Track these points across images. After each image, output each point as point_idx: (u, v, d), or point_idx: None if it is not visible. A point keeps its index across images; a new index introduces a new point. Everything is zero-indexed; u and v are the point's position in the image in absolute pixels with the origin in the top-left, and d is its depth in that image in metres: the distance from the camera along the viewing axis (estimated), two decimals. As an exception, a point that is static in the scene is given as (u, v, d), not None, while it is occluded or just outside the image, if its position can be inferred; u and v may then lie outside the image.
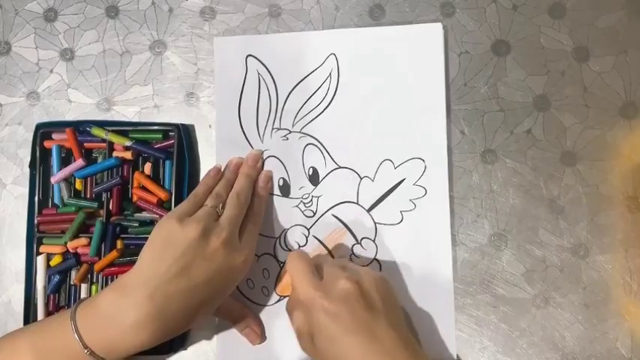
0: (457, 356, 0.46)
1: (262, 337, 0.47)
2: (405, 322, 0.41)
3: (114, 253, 0.47)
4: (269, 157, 0.49)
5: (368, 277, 0.41)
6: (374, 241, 0.47)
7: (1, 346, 0.39)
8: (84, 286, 0.49)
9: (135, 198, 0.48)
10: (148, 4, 0.51)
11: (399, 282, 0.46)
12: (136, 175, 0.48)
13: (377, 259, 0.47)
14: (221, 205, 0.43)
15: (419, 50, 0.48)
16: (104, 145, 0.49)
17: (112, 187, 0.48)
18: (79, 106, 0.51)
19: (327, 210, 0.48)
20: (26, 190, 0.50)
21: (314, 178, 0.48)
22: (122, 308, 0.38)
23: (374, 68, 0.48)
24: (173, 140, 0.48)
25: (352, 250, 0.47)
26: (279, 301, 0.48)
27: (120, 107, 0.51)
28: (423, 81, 0.48)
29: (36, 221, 0.49)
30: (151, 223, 0.48)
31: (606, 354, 0.45)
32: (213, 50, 0.50)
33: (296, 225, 0.48)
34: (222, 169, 0.48)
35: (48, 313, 0.48)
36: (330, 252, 0.47)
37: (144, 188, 0.48)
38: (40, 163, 0.49)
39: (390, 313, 0.40)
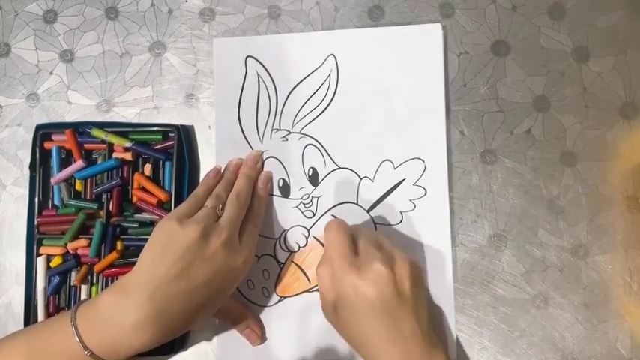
0: (457, 356, 0.46)
1: (262, 337, 0.47)
2: (427, 313, 0.42)
3: (114, 254, 0.47)
4: (269, 157, 0.49)
5: (402, 263, 0.41)
6: (374, 241, 0.47)
7: (0, 347, 0.39)
8: (84, 287, 0.49)
9: (135, 199, 0.48)
10: (148, 5, 0.51)
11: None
12: (136, 176, 0.48)
13: (377, 260, 0.47)
14: (221, 206, 0.43)
15: (418, 51, 0.48)
16: (104, 146, 0.49)
17: (112, 189, 0.48)
18: (79, 108, 0.51)
19: (327, 211, 0.48)
20: (26, 192, 0.50)
21: (314, 179, 0.48)
22: (122, 309, 0.38)
23: (373, 69, 0.48)
24: (173, 141, 0.48)
25: (352, 251, 0.47)
26: (279, 301, 0.48)
27: (120, 108, 0.51)
28: (422, 81, 0.48)
29: (36, 222, 0.49)
30: (151, 224, 0.48)
31: (606, 354, 0.45)
32: (213, 51, 0.50)
33: (296, 226, 0.48)
34: (221, 170, 0.48)
35: (48, 315, 0.48)
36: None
37: (144, 189, 0.48)
38: (40, 165, 0.49)
39: (416, 303, 0.40)
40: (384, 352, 0.39)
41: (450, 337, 0.46)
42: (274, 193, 0.48)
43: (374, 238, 0.43)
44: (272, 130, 0.49)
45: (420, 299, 0.41)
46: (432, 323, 0.42)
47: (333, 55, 0.49)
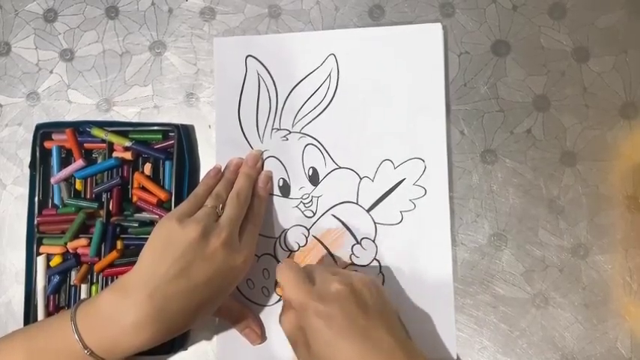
0: (457, 356, 0.46)
1: (262, 337, 0.47)
2: (399, 323, 0.41)
3: (114, 254, 0.47)
4: (269, 157, 0.49)
5: (359, 279, 0.40)
6: (374, 241, 0.47)
7: (0, 347, 0.39)
8: (84, 287, 0.49)
9: (135, 198, 0.48)
10: (148, 4, 0.51)
11: (399, 282, 0.46)
12: (136, 175, 0.48)
13: (377, 259, 0.47)
14: (221, 205, 0.43)
15: (418, 50, 0.48)
16: (104, 145, 0.49)
17: (111, 188, 0.48)
18: (79, 107, 0.51)
19: (327, 210, 0.48)
20: (26, 191, 0.50)
21: (314, 179, 0.48)
22: (122, 309, 0.38)
23: (373, 68, 0.48)
24: (173, 141, 0.48)
25: (352, 251, 0.47)
26: (279, 301, 0.48)
27: (120, 108, 0.51)
28: (422, 81, 0.48)
29: (36, 222, 0.49)
30: (151, 223, 0.48)
31: (606, 354, 0.45)
32: (213, 51, 0.50)
33: (296, 225, 0.48)
34: (222, 170, 0.48)
35: (48, 314, 0.48)
36: (329, 252, 0.47)
37: (144, 189, 0.48)
38: (40, 164, 0.49)
39: (383, 314, 0.39)
40: None
41: (450, 336, 0.46)
42: (274, 193, 0.48)
43: (328, 269, 0.42)
44: (272, 129, 0.49)
45: (387, 310, 0.40)
46: (407, 334, 0.41)
47: (333, 54, 0.49)
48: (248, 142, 0.49)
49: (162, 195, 0.47)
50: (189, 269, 0.39)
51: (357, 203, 0.48)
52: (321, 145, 0.48)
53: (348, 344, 0.37)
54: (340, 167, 0.48)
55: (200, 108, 0.50)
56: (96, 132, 0.48)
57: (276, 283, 0.48)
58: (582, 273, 0.46)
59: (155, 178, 0.49)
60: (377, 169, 0.48)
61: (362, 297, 0.39)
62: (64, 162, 0.49)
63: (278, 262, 0.48)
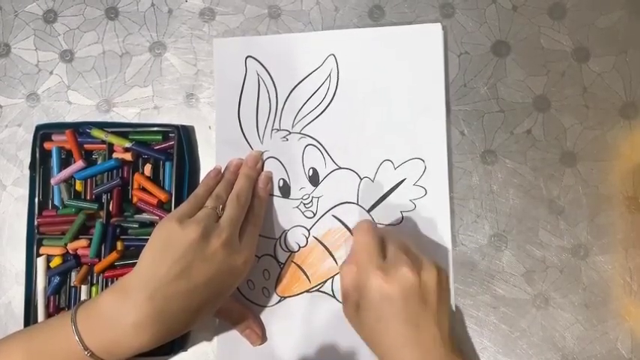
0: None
1: (263, 338, 0.47)
2: (449, 319, 0.42)
3: (114, 255, 0.47)
4: (269, 158, 0.49)
5: (429, 270, 0.41)
6: (374, 241, 0.47)
7: (0, 348, 0.39)
8: (84, 288, 0.49)
9: (135, 199, 0.48)
10: (148, 5, 0.51)
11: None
12: (136, 176, 0.48)
13: (377, 260, 0.47)
14: (221, 206, 0.43)
15: (418, 50, 0.48)
16: (104, 146, 0.49)
17: (112, 189, 0.48)
18: (79, 108, 0.51)
19: (328, 211, 0.48)
20: (26, 192, 0.50)
21: (314, 179, 0.48)
22: (123, 310, 0.38)
23: (373, 69, 0.48)
24: (173, 141, 0.48)
25: (352, 251, 0.47)
26: (279, 302, 0.48)
27: (120, 109, 0.51)
28: (422, 81, 0.48)
29: (36, 223, 0.49)
30: (151, 224, 0.48)
31: (606, 354, 0.45)
32: (213, 51, 0.50)
33: (296, 226, 0.48)
34: (222, 171, 0.48)
35: (48, 315, 0.48)
36: (330, 252, 0.47)
37: (144, 189, 0.48)
38: (40, 165, 0.49)
39: (439, 310, 0.40)
40: (403, 357, 0.39)
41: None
42: (274, 193, 0.48)
43: (402, 243, 0.43)
44: (272, 130, 0.49)
45: (443, 307, 0.41)
46: (453, 330, 0.42)
47: (333, 55, 0.49)
48: (248, 142, 0.49)
49: (163, 196, 0.47)
50: (190, 270, 0.39)
51: (357, 204, 0.48)
52: (321, 145, 0.48)
53: (398, 328, 0.39)
54: (340, 168, 0.48)
55: (200, 109, 0.50)
56: (96, 133, 0.48)
57: (276, 284, 0.48)
58: (582, 273, 0.46)
59: (155, 179, 0.49)
60: (377, 170, 0.48)
61: (425, 289, 0.40)
62: (64, 163, 0.49)
63: (278, 262, 0.48)
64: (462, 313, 0.46)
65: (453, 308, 0.46)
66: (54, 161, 0.49)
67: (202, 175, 0.49)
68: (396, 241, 0.43)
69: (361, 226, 0.43)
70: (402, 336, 0.39)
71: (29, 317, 0.48)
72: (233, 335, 0.47)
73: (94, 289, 0.49)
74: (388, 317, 0.39)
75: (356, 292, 0.41)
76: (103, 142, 0.48)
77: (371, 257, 0.41)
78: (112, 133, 0.48)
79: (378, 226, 0.47)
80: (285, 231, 0.48)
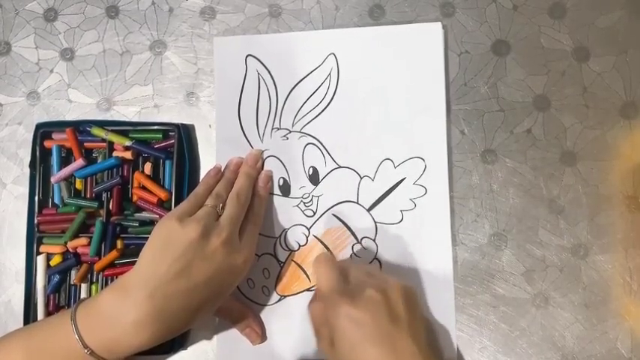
0: (457, 356, 0.46)
1: (263, 336, 0.47)
2: (425, 333, 0.41)
3: (114, 253, 0.47)
4: (269, 156, 0.49)
5: (394, 287, 0.40)
6: (374, 240, 0.47)
7: (0, 346, 0.39)
8: (84, 286, 0.49)
9: (135, 198, 0.48)
10: (148, 4, 0.51)
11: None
12: (136, 174, 0.48)
13: (377, 259, 0.47)
14: (221, 204, 0.43)
15: (419, 49, 0.48)
16: (104, 145, 0.49)
17: (112, 187, 0.48)
18: (79, 106, 0.51)
19: (328, 209, 0.48)
20: (26, 190, 0.50)
21: (314, 178, 0.48)
22: (122, 308, 0.38)
23: (373, 68, 0.48)
24: (173, 140, 0.48)
25: (352, 250, 0.47)
26: (279, 300, 0.48)
27: (120, 107, 0.51)
28: (422, 80, 0.48)
29: (36, 221, 0.49)
30: (151, 222, 0.48)
31: (606, 354, 0.45)
32: (213, 50, 0.50)
33: (296, 225, 0.48)
34: (222, 169, 0.48)
35: (48, 313, 0.48)
36: (330, 251, 0.47)
37: (144, 188, 0.48)
38: (40, 163, 0.49)
39: (412, 325, 0.39)
40: None
41: (450, 336, 0.46)
42: (274, 192, 0.48)
43: (364, 268, 0.43)
44: (272, 128, 0.49)
45: (415, 320, 0.40)
46: (430, 342, 0.41)
47: (333, 54, 0.49)
48: (248, 141, 0.49)
49: (163, 194, 0.47)
50: (190, 269, 0.39)
51: (357, 202, 0.48)
52: (322, 144, 0.48)
53: (374, 351, 0.38)
54: (340, 166, 0.48)
55: (200, 107, 0.50)
56: (96, 131, 0.48)
57: (276, 283, 0.48)
58: (582, 273, 0.46)
59: (155, 177, 0.49)
60: (377, 169, 0.48)
61: (395, 307, 0.39)
62: (64, 161, 0.49)
63: (278, 261, 0.48)
64: (462, 312, 0.46)
65: (454, 309, 0.46)
66: (54, 159, 0.49)
67: (202, 173, 0.49)
68: (356, 267, 0.43)
69: (318, 259, 0.43)
70: (379, 357, 0.38)
71: (29, 315, 0.48)
72: (233, 334, 0.47)
73: (93, 287, 0.49)
74: (362, 342, 0.38)
75: (326, 327, 0.40)
76: (103, 140, 0.48)
77: (334, 287, 0.40)
78: (113, 131, 0.48)
79: (378, 225, 0.47)
80: (285, 230, 0.48)
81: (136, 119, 0.50)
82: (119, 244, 0.48)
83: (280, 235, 0.48)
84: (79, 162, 0.48)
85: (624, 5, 0.48)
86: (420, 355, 0.38)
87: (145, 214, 0.48)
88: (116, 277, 0.47)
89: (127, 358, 0.39)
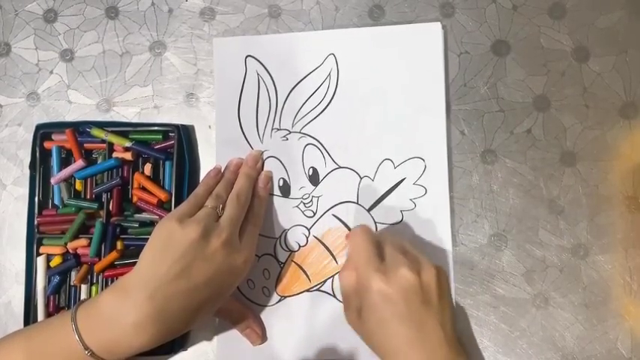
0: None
1: (263, 337, 0.47)
2: (453, 319, 0.42)
3: (114, 254, 0.47)
4: (269, 157, 0.49)
5: (428, 269, 0.41)
6: (374, 241, 0.47)
7: (0, 347, 0.39)
8: (84, 287, 0.49)
9: (135, 199, 0.48)
10: (148, 4, 0.51)
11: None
12: (136, 175, 0.48)
13: (377, 260, 0.47)
14: (221, 205, 0.43)
15: (418, 49, 0.48)
16: (104, 145, 0.49)
17: (112, 188, 0.48)
18: (79, 107, 0.51)
19: (328, 210, 0.48)
20: (26, 191, 0.50)
21: (314, 178, 0.48)
22: (123, 309, 0.38)
23: (373, 68, 0.48)
24: (173, 141, 0.48)
25: (352, 251, 0.47)
26: (279, 301, 0.48)
27: (120, 108, 0.51)
28: (422, 80, 0.48)
29: (36, 222, 0.49)
30: (151, 223, 0.48)
31: (606, 354, 0.45)
32: (213, 51, 0.50)
33: (296, 225, 0.48)
34: (222, 170, 0.48)
35: (48, 314, 0.48)
36: (330, 252, 0.47)
37: (144, 189, 0.48)
38: (40, 164, 0.49)
39: (442, 310, 0.40)
40: (409, 359, 0.39)
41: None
42: (274, 193, 0.48)
43: (399, 244, 0.43)
44: (272, 129, 0.49)
45: (445, 305, 0.41)
46: (455, 329, 0.42)
47: (333, 54, 0.49)
48: (248, 142, 0.49)
49: (163, 195, 0.47)
50: (190, 270, 0.39)
51: (357, 203, 0.48)
52: (321, 144, 0.48)
53: (401, 330, 0.39)
54: (340, 167, 0.48)
55: (200, 108, 0.50)
56: (96, 132, 0.48)
57: (276, 284, 0.48)
58: (582, 273, 0.46)
59: (155, 178, 0.49)
60: (377, 169, 0.48)
61: (426, 289, 0.40)
62: (64, 162, 0.49)
63: (278, 262, 0.48)
64: (462, 312, 0.46)
65: (453, 308, 0.46)
66: (54, 160, 0.49)
67: (202, 174, 0.49)
68: (393, 242, 0.43)
69: (356, 231, 0.43)
70: (406, 337, 0.39)
71: (29, 316, 0.48)
72: (233, 335, 0.47)
73: (93, 288, 0.49)
74: (391, 319, 0.39)
75: (357, 297, 0.41)
76: (103, 141, 0.48)
77: (369, 260, 0.41)
78: (112, 132, 0.48)
79: (378, 225, 0.47)
80: (285, 230, 0.48)
81: (135, 120, 0.50)
82: (119, 245, 0.48)
83: (280, 236, 0.48)
84: (79, 163, 0.48)
85: (624, 5, 0.48)
86: (445, 340, 0.39)
87: (144, 215, 0.48)
88: (116, 278, 0.47)
89: (127, 359, 0.39)
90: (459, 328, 0.46)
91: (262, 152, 0.49)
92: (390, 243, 0.42)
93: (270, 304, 0.48)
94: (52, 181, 0.49)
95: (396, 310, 0.39)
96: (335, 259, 0.47)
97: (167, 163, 0.48)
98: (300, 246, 0.48)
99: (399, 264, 0.40)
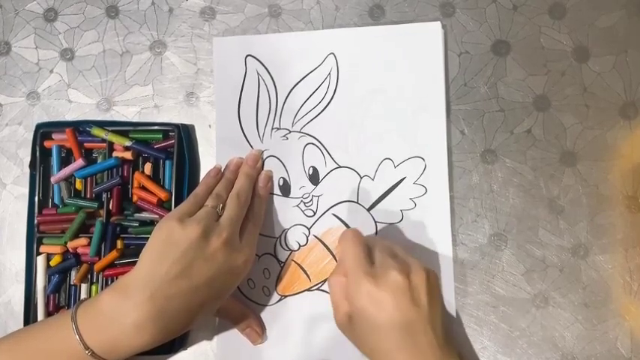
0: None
1: (263, 337, 0.47)
2: (443, 321, 0.41)
3: (114, 253, 0.47)
4: (269, 156, 0.49)
5: (418, 272, 0.40)
6: (374, 241, 0.47)
7: (0, 347, 0.39)
8: (84, 287, 0.49)
9: (135, 198, 0.48)
10: (148, 4, 0.51)
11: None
12: (136, 175, 0.48)
13: (377, 259, 0.47)
14: (221, 205, 0.43)
15: (418, 49, 0.48)
16: (104, 145, 0.49)
17: (112, 187, 0.48)
18: (79, 106, 0.51)
19: (328, 209, 0.48)
20: (26, 190, 0.50)
21: (314, 178, 0.48)
22: (123, 309, 0.38)
23: (373, 67, 0.48)
24: (173, 140, 0.48)
25: (352, 250, 0.47)
26: (280, 300, 0.48)
27: (120, 107, 0.51)
28: (422, 80, 0.48)
29: (36, 221, 0.49)
30: (151, 223, 0.48)
31: (606, 354, 0.45)
32: (213, 50, 0.50)
33: (296, 225, 0.48)
34: (222, 169, 0.48)
35: (48, 314, 0.48)
36: (330, 251, 0.47)
37: (144, 188, 0.48)
38: (40, 163, 0.49)
39: (432, 312, 0.40)
40: None
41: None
42: (275, 192, 0.48)
43: (389, 248, 0.42)
44: (272, 129, 0.49)
45: (436, 308, 0.41)
46: (446, 331, 0.42)
47: (333, 53, 0.49)
48: (248, 141, 0.49)
49: (163, 195, 0.47)
50: (190, 269, 0.39)
51: (357, 202, 0.48)
52: (321, 144, 0.48)
53: (391, 332, 0.38)
54: (340, 166, 0.48)
55: (200, 107, 0.50)
56: (96, 131, 0.48)
57: (277, 283, 0.48)
58: (582, 273, 0.46)
59: (155, 177, 0.49)
60: (377, 168, 0.48)
61: (417, 292, 0.39)
62: (64, 161, 0.49)
63: (279, 261, 0.48)
64: (462, 312, 0.46)
65: (454, 308, 0.46)
66: (54, 160, 0.49)
67: (202, 174, 0.49)
68: (382, 246, 0.42)
69: (346, 235, 0.43)
70: (397, 341, 0.38)
71: (29, 316, 0.48)
72: (233, 334, 0.47)
73: (93, 287, 0.49)
74: (381, 324, 0.39)
75: (346, 302, 0.40)
76: (103, 140, 0.48)
77: (359, 265, 0.40)
78: (112, 131, 0.48)
79: (378, 224, 0.47)
80: (285, 230, 0.48)
81: (135, 119, 0.50)
82: (119, 244, 0.48)
83: (280, 235, 0.48)
84: (79, 162, 0.48)
85: (624, 5, 0.48)
86: (436, 343, 0.39)
87: (145, 215, 0.48)
88: (116, 278, 0.47)
89: (127, 358, 0.39)
90: (454, 330, 0.46)
91: (262, 152, 0.49)
92: (380, 247, 0.42)
93: (270, 303, 0.48)
94: (52, 180, 0.49)
95: (386, 314, 0.38)
96: (335, 259, 0.47)
97: (167, 163, 0.48)
98: (300, 245, 0.48)
99: (388, 267, 0.40)
